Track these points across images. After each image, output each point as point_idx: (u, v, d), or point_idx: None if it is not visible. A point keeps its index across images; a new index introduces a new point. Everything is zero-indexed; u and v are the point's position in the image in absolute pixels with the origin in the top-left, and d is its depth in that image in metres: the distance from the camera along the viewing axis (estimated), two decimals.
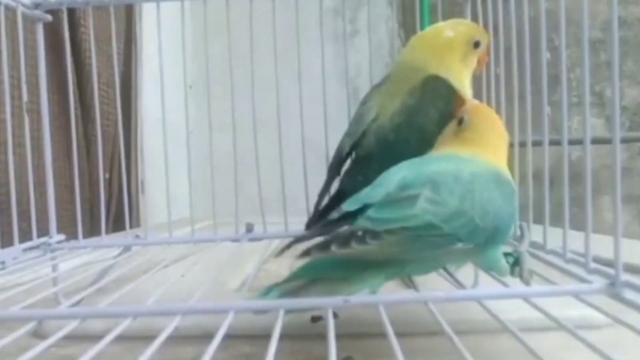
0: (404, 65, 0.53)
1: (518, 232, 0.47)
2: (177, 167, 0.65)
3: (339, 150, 0.53)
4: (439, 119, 0.47)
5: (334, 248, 0.34)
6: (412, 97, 0.49)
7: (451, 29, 0.51)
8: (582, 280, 0.36)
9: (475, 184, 0.39)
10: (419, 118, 0.48)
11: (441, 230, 0.36)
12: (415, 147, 0.47)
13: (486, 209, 0.38)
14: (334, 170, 0.53)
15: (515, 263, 0.43)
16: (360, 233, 0.35)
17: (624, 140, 1.60)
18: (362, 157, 0.51)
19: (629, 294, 0.32)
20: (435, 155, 0.45)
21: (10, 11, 0.55)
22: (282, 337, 0.29)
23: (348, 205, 0.39)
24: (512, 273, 0.42)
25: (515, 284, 0.37)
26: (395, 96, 0.50)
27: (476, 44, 0.50)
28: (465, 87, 0.50)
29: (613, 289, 0.33)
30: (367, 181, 0.43)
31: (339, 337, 0.29)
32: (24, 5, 0.56)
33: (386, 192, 0.38)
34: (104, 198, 0.61)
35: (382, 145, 0.49)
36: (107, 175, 1.54)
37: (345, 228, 0.36)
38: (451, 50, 0.50)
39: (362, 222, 0.36)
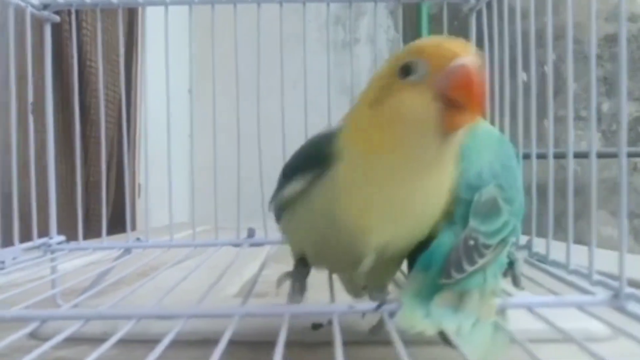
0: None
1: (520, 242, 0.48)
2: (176, 170, 0.65)
3: None
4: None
5: (466, 266, 0.31)
6: None
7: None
8: (586, 292, 0.36)
9: (510, 169, 0.38)
10: None
11: (515, 227, 0.36)
12: None
13: (519, 186, 0.38)
14: None
15: (509, 267, 0.42)
16: (472, 243, 0.33)
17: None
18: None
19: (633, 306, 0.32)
20: None
21: (18, 11, 0.55)
22: (284, 343, 0.29)
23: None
24: (504, 275, 0.42)
25: (519, 294, 0.37)
26: None
27: (405, 70, 0.31)
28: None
29: (617, 301, 0.33)
30: None
31: (342, 344, 0.28)
32: (32, 5, 0.56)
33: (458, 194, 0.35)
34: (104, 199, 0.61)
35: None
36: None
37: (456, 246, 0.33)
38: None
39: (471, 234, 0.33)
